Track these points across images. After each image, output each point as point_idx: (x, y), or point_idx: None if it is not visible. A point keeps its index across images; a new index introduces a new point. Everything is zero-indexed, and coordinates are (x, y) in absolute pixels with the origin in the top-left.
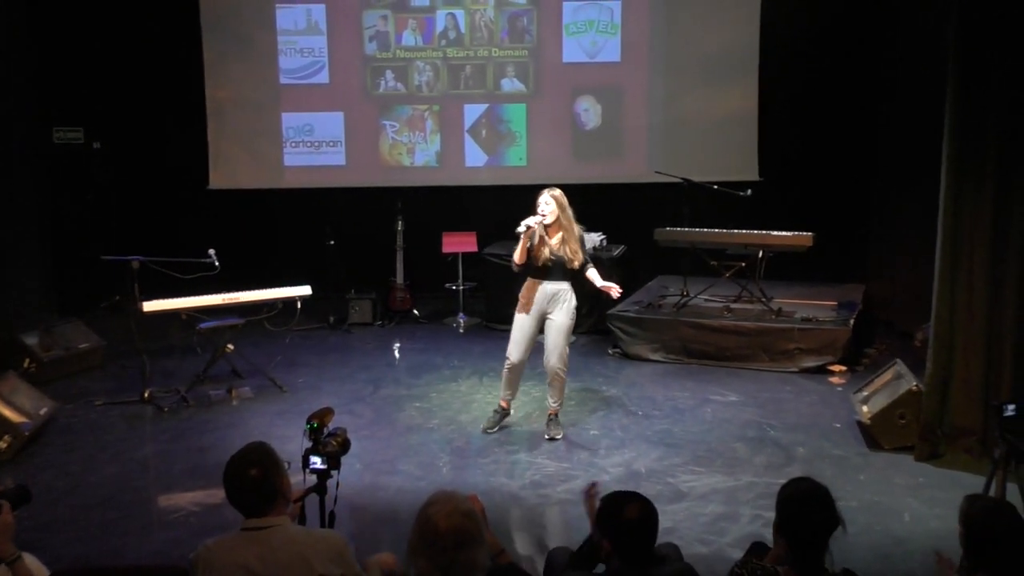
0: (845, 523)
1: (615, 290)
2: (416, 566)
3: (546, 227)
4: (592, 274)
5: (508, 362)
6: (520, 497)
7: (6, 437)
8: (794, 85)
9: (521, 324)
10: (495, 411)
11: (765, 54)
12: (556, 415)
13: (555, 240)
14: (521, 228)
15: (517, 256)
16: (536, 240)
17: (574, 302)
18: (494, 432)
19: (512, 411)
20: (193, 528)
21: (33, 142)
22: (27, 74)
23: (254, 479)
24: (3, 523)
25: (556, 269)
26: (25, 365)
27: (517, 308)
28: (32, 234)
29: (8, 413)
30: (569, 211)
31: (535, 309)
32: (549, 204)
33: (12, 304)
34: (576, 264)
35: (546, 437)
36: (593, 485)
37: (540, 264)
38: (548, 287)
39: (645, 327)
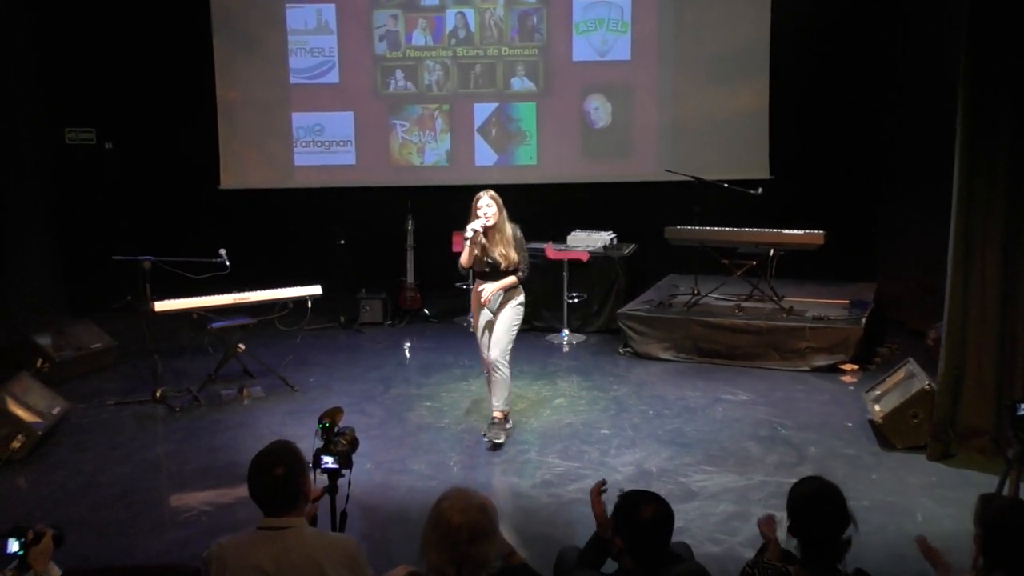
0: (857, 522)
1: (484, 294)
2: (428, 559)
3: (485, 230)
4: (507, 279)
5: (484, 370)
6: (530, 496)
7: (19, 437)
8: (805, 83)
9: (478, 329)
10: (492, 422)
11: (776, 52)
12: (501, 418)
13: (491, 242)
14: (468, 234)
15: (463, 260)
16: (478, 243)
17: (520, 298)
18: (501, 441)
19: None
20: (204, 527)
21: (45, 143)
22: (39, 75)
23: (279, 478)
24: (44, 547)
25: (493, 271)
26: (38, 365)
27: (472, 310)
28: (44, 234)
29: (21, 413)
30: (504, 212)
31: (484, 311)
32: (491, 206)
33: (25, 304)
34: (503, 267)
35: (483, 438)
36: (601, 483)
37: (480, 268)
38: (491, 286)
39: (656, 326)
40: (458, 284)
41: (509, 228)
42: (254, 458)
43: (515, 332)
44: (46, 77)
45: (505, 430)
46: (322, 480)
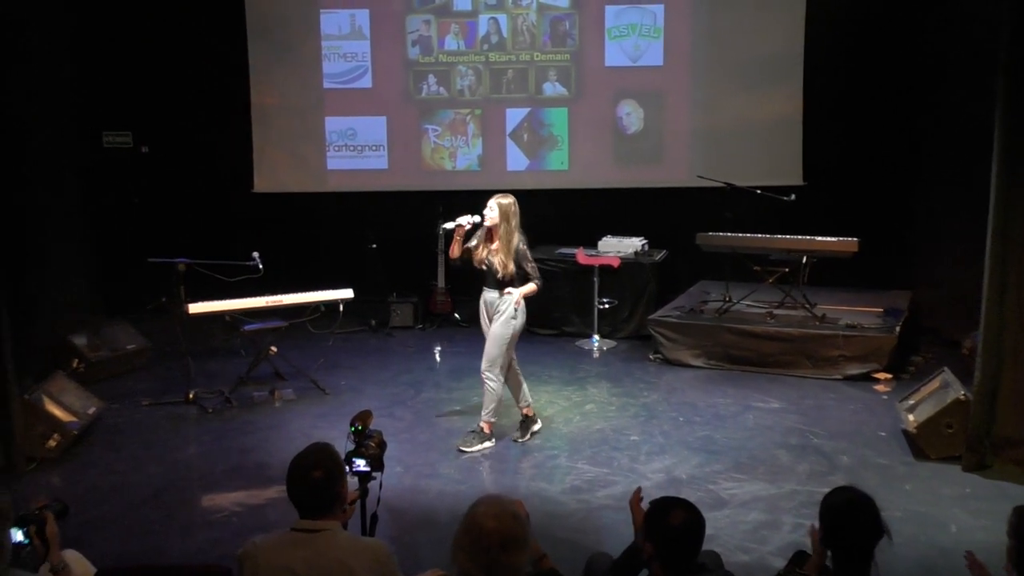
0: (891, 533)
1: (508, 296)
2: (459, 563)
3: (489, 232)
4: (528, 286)
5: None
6: (560, 502)
7: (55, 436)
8: (839, 88)
9: (484, 333)
10: (520, 424)
11: (810, 57)
12: (482, 429)
13: (493, 247)
14: (450, 225)
15: (451, 251)
16: (476, 242)
17: (512, 311)
18: (523, 440)
19: (538, 416)
20: (235, 528)
21: (83, 146)
22: (77, 80)
23: (317, 481)
24: (51, 533)
25: (489, 276)
26: (74, 365)
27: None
28: (81, 236)
29: (57, 412)
30: (513, 222)
31: (484, 317)
32: (492, 211)
33: (62, 305)
34: (499, 276)
35: (457, 443)
36: (638, 491)
37: (476, 267)
38: (485, 294)
39: (687, 332)
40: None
41: (516, 238)
42: (294, 459)
43: (506, 346)
44: (84, 81)
45: (482, 442)
46: (353, 483)
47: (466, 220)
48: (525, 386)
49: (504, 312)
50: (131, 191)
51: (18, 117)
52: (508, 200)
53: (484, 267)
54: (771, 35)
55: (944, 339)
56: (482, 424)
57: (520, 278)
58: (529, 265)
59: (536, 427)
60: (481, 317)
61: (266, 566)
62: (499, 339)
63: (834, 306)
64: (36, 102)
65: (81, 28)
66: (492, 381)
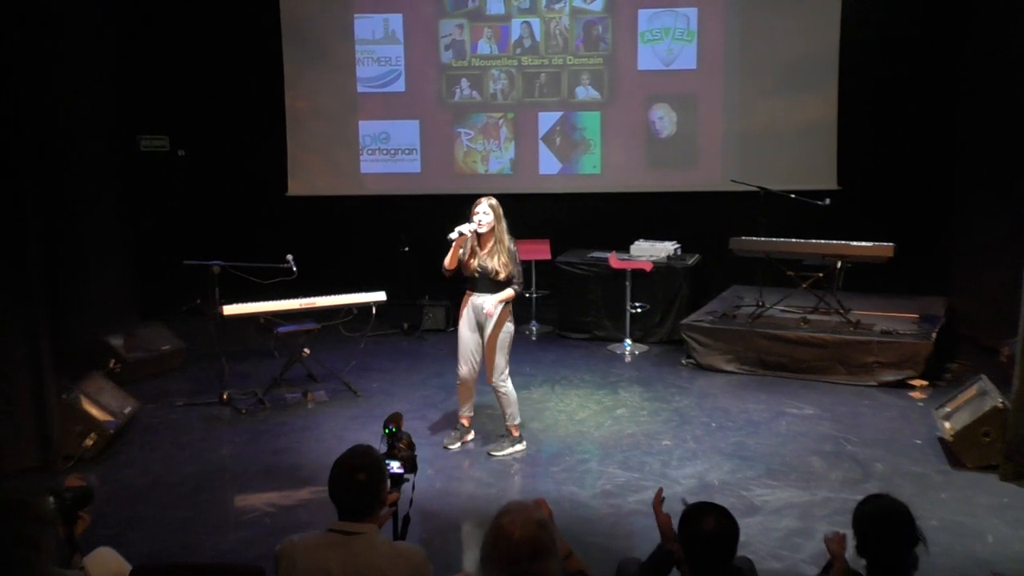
0: (926, 541)
1: (490, 310)
2: (488, 574)
3: (479, 237)
4: (506, 292)
5: (458, 378)
6: (591, 507)
7: (92, 435)
8: (874, 92)
9: (462, 337)
10: (455, 428)
11: (845, 60)
12: (510, 432)
13: (485, 251)
14: (453, 235)
15: (447, 261)
16: (468, 249)
17: (510, 318)
18: (455, 448)
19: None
20: (267, 528)
21: (120, 150)
22: (115, 85)
23: (361, 484)
24: (79, 532)
25: (482, 281)
26: (110, 365)
27: (460, 320)
28: (118, 239)
29: (94, 412)
30: (504, 223)
31: (470, 321)
32: (488, 214)
33: (99, 307)
34: (501, 277)
35: (489, 449)
36: (659, 493)
37: (468, 274)
38: (476, 299)
39: (719, 337)
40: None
41: (507, 241)
42: (338, 460)
43: (508, 351)
44: (121, 86)
45: (512, 446)
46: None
47: (467, 228)
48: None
49: (502, 322)
50: (167, 194)
51: (57, 121)
52: (495, 201)
53: (476, 274)
54: (806, 37)
55: (982, 346)
56: (509, 428)
57: (507, 280)
58: (517, 268)
59: (520, 447)
60: (464, 323)
61: (302, 565)
62: (503, 347)
63: (869, 312)
64: (75, 107)
65: (119, 34)
66: (504, 386)
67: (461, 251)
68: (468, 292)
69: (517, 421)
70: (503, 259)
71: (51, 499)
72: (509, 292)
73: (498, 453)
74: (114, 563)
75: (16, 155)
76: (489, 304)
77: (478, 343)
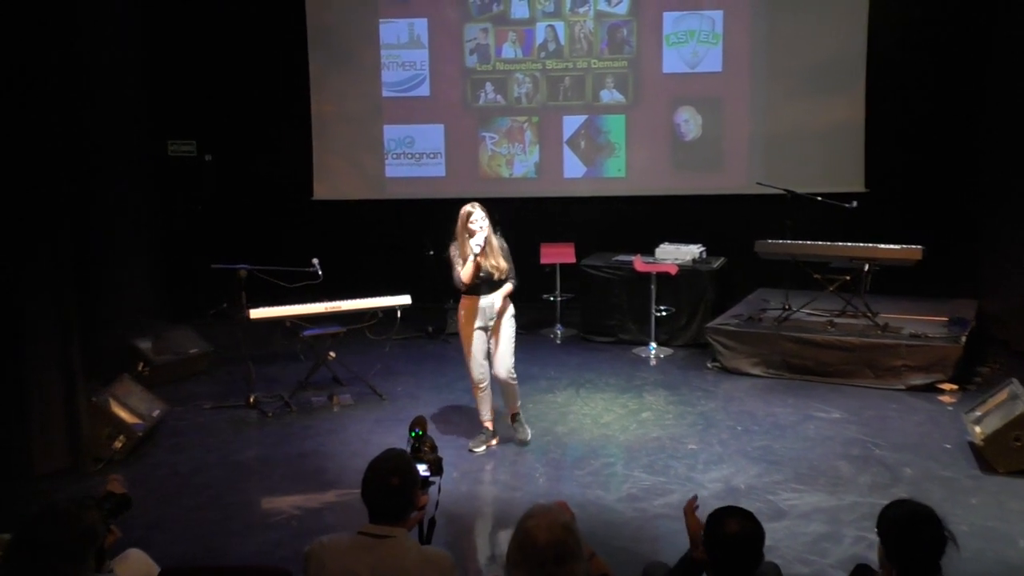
0: (957, 541)
1: (498, 305)
2: None
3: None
4: (506, 287)
5: (476, 384)
6: (616, 511)
7: (121, 437)
8: (903, 93)
9: (474, 342)
10: (481, 432)
11: (873, 61)
12: (518, 415)
13: (482, 255)
14: (476, 251)
15: (467, 277)
16: (472, 259)
17: (513, 310)
18: (480, 451)
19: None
20: (294, 531)
21: (149, 155)
22: (145, 90)
23: (394, 488)
24: (110, 544)
25: (486, 283)
26: (139, 368)
27: (460, 327)
28: (147, 243)
29: (123, 414)
30: (491, 223)
31: (480, 324)
32: (484, 220)
33: (128, 310)
34: (502, 276)
35: (519, 440)
36: (693, 499)
37: (474, 281)
38: (483, 302)
39: (745, 341)
40: (545, 295)
41: (496, 240)
42: (371, 463)
43: (514, 343)
44: (151, 91)
45: (524, 425)
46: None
47: (482, 240)
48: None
49: (506, 313)
50: (195, 198)
51: (87, 127)
52: (479, 204)
53: (479, 279)
54: (833, 39)
55: (1013, 350)
56: (515, 411)
57: (505, 277)
58: (511, 263)
59: (494, 441)
60: (471, 324)
61: (331, 567)
62: (509, 339)
63: (897, 315)
64: (104, 112)
65: (147, 39)
66: (514, 378)
67: (469, 261)
68: (470, 298)
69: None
70: (499, 258)
71: (95, 512)
72: (509, 287)
73: (529, 437)
74: (143, 565)
75: (50, 160)
76: (498, 300)
77: (488, 344)
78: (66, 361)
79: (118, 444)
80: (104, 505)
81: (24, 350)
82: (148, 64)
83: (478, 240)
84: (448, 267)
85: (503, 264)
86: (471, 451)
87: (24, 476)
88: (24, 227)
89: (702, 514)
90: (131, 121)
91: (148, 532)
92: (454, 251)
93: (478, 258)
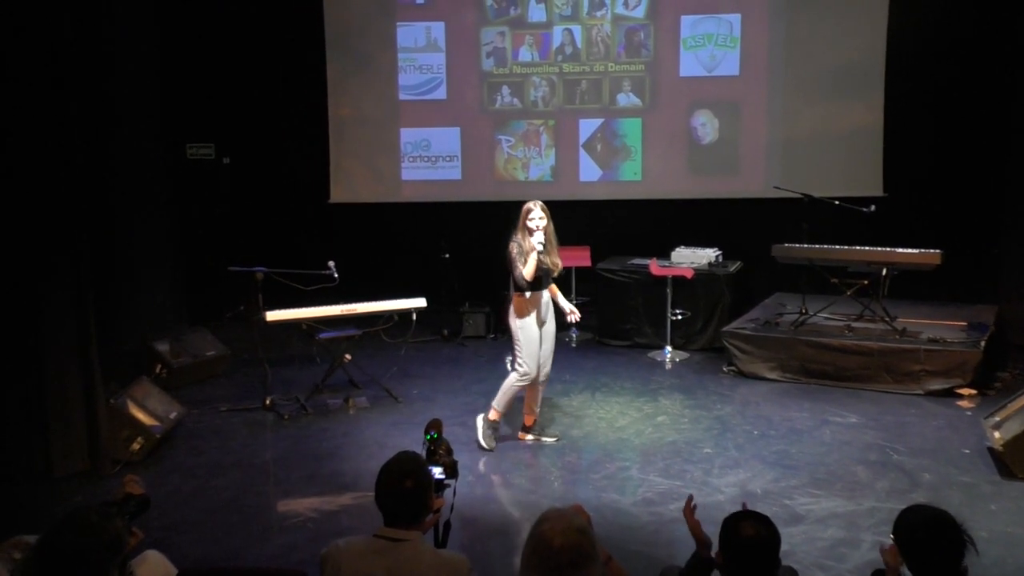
0: (976, 545)
1: (575, 315)
2: None
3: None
4: (561, 302)
5: (530, 377)
6: (632, 514)
7: (139, 439)
8: (921, 96)
9: (536, 337)
10: (537, 425)
11: (891, 64)
12: (535, 421)
13: (544, 251)
14: (539, 248)
15: (529, 273)
16: (537, 253)
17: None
18: (554, 441)
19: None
20: (310, 533)
21: (168, 158)
22: (162, 93)
23: (409, 491)
24: (137, 540)
25: (546, 279)
26: (157, 371)
27: (518, 322)
28: (165, 246)
29: (141, 416)
30: (551, 222)
31: (538, 319)
32: (543, 218)
33: (146, 313)
34: (556, 272)
35: (550, 440)
36: (689, 500)
37: (534, 277)
38: (545, 296)
39: (761, 345)
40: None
41: (554, 237)
42: (384, 467)
43: None
44: (169, 95)
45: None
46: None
47: (541, 238)
48: None
49: (551, 308)
50: (213, 201)
51: (107, 130)
52: (542, 203)
53: (541, 274)
54: (851, 43)
55: None
56: (536, 414)
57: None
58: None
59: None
60: (536, 323)
61: (347, 570)
62: (554, 339)
63: (915, 320)
64: (124, 115)
65: (165, 43)
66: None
67: (533, 256)
68: (535, 293)
69: None
70: (555, 258)
71: (120, 521)
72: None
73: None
74: (162, 567)
75: (70, 164)
76: (565, 303)
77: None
78: (85, 364)
79: (136, 446)
80: (125, 507)
81: (44, 353)
82: (166, 67)
83: (540, 238)
84: (509, 264)
85: (560, 261)
86: (488, 448)
87: (44, 478)
88: (44, 231)
89: (718, 518)
90: (149, 124)
91: (166, 534)
92: (515, 248)
93: (539, 255)
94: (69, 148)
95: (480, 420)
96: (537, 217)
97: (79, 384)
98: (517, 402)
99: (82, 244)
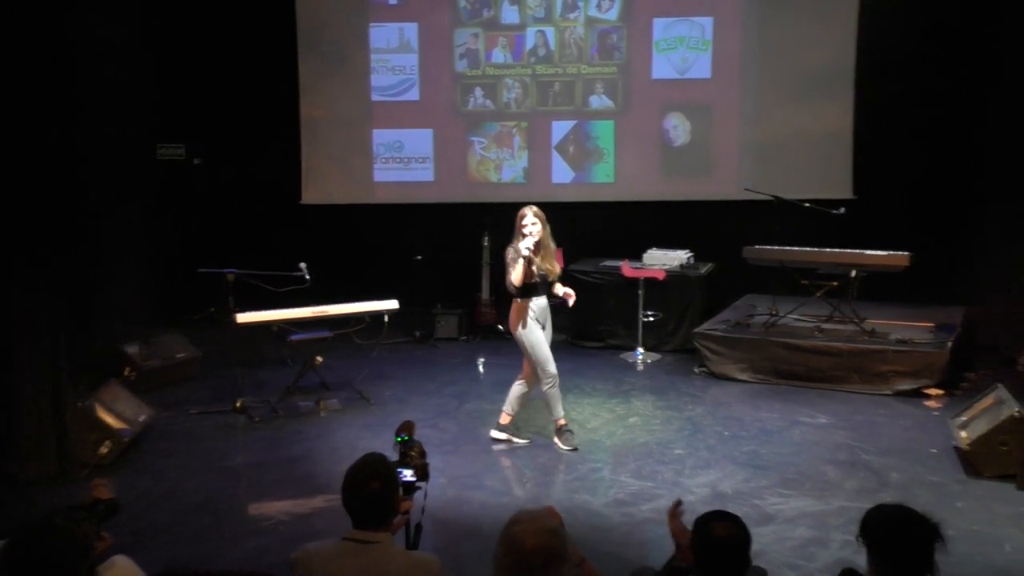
0: (945, 539)
1: (571, 297)
2: None
3: (536, 245)
4: (556, 287)
5: (555, 377)
6: (603, 515)
7: (107, 443)
8: (890, 100)
9: (542, 337)
10: (567, 430)
11: (862, 69)
12: (510, 422)
13: (539, 257)
14: (525, 252)
15: (517, 279)
16: (527, 259)
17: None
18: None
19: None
20: (282, 536)
21: (139, 159)
22: (132, 93)
23: (375, 493)
24: (106, 544)
25: (542, 285)
26: (125, 373)
27: (523, 329)
28: (135, 247)
29: (109, 419)
30: (547, 227)
31: (540, 323)
32: (536, 223)
33: (115, 314)
34: (552, 278)
35: (522, 442)
36: (678, 503)
37: (531, 282)
38: (543, 301)
39: (733, 346)
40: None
41: (552, 243)
42: (350, 469)
43: None
44: (140, 95)
45: (573, 433)
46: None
47: (531, 243)
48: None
49: (549, 313)
50: (184, 202)
51: (76, 131)
52: (537, 208)
53: (538, 279)
54: (822, 47)
55: (1001, 356)
56: (565, 420)
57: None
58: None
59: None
60: (535, 323)
61: (319, 573)
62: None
63: (884, 321)
64: (92, 116)
65: (135, 43)
66: None
67: (522, 261)
68: (523, 300)
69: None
70: (551, 263)
71: (89, 525)
72: (560, 289)
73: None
74: (130, 572)
75: (38, 163)
76: (559, 288)
77: None
78: (54, 366)
79: (104, 450)
80: (94, 511)
81: (11, 355)
82: (137, 67)
83: (527, 243)
84: (504, 268)
85: (557, 267)
86: (573, 449)
87: (11, 482)
88: (11, 231)
89: (688, 519)
90: (120, 125)
91: (136, 538)
92: (510, 253)
93: (534, 259)
94: (38, 148)
95: (495, 432)
96: (530, 223)
97: (48, 387)
98: (531, 401)
99: (50, 245)
